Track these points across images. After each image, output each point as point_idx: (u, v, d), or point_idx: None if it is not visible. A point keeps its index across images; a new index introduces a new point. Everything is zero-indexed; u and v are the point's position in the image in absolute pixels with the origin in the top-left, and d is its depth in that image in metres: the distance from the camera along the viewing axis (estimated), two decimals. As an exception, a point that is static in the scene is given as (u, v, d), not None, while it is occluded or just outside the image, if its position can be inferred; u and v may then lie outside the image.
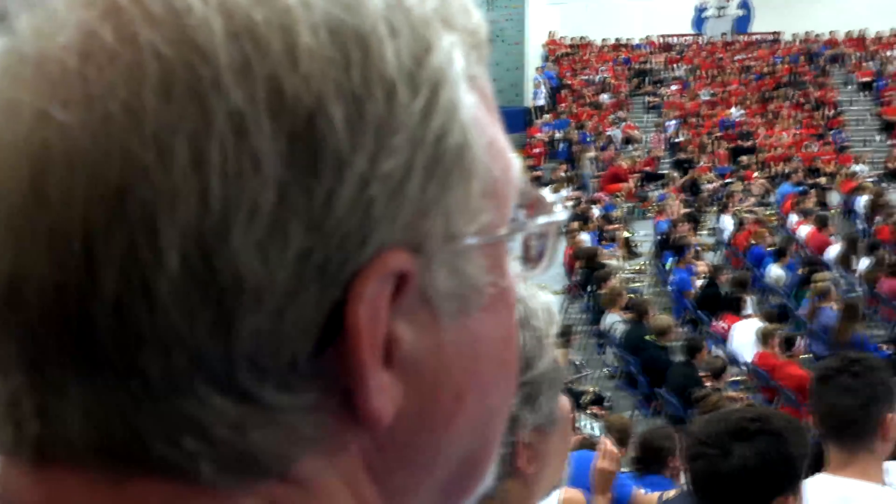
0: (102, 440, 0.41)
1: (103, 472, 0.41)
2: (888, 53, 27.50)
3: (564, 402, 1.44)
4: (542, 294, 1.34)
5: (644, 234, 16.97)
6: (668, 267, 13.96)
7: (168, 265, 0.39)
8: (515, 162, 0.48)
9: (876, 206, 16.08)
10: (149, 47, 0.39)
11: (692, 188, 19.89)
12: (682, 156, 22.92)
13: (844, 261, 13.33)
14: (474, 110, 0.45)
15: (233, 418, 0.41)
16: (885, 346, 10.29)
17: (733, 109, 25.41)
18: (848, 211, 17.85)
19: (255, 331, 0.40)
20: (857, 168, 20.98)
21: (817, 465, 2.53)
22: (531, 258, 0.50)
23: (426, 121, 0.42)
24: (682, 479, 4.89)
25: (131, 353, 0.40)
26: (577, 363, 10.79)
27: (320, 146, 0.40)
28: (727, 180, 20.63)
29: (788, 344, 9.40)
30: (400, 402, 0.43)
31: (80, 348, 0.40)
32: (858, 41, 28.53)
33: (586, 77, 28.04)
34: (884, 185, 19.72)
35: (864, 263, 12.87)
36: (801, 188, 18.69)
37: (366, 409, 0.43)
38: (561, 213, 0.51)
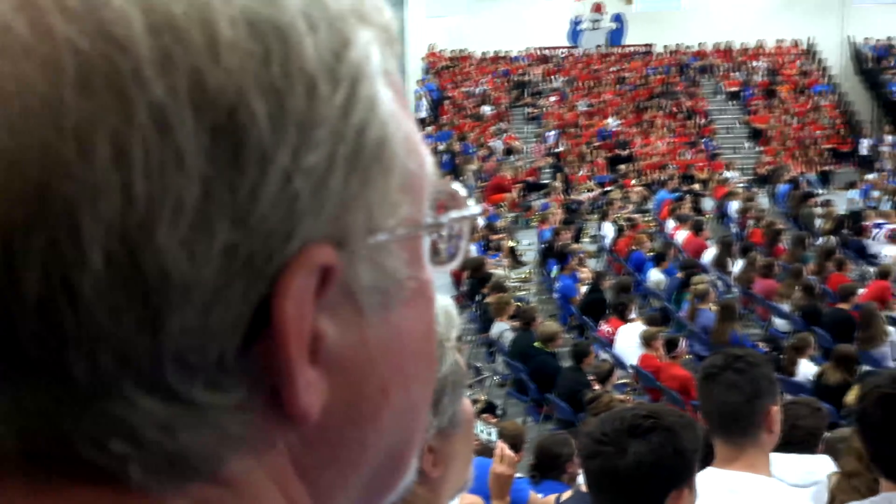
0: (25, 446, 0.40)
1: (25, 479, 0.40)
2: (753, 64, 28.65)
3: (467, 404, 1.45)
4: (441, 297, 1.35)
5: (528, 243, 17.23)
6: (552, 274, 14.20)
7: (91, 263, 0.38)
8: (429, 157, 0.49)
9: (747, 210, 16.72)
10: (65, 41, 0.38)
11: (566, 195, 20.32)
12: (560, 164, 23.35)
13: (720, 263, 13.79)
14: (391, 105, 0.45)
15: (161, 419, 0.40)
16: (761, 344, 10.68)
17: (610, 119, 26.04)
18: (721, 215, 18.49)
19: (183, 328, 0.39)
20: (728, 174, 21.76)
21: (706, 460, 2.61)
22: (443, 252, 0.50)
23: (347, 115, 0.42)
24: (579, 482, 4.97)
25: (55, 354, 0.39)
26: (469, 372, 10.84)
27: (243, 140, 0.39)
28: (607, 188, 21.14)
29: (671, 346, 9.66)
30: (326, 397, 0.43)
31: (2, 351, 0.39)
32: (726, 53, 29.64)
33: (467, 89, 28.32)
34: (754, 189, 20.49)
35: (738, 265, 13.35)
36: (676, 194, 19.27)
37: (293, 405, 0.42)
38: (475, 208, 0.52)
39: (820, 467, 3.85)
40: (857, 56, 29.19)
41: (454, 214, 0.50)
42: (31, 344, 0.39)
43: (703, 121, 26.37)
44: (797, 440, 4.13)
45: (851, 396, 7.84)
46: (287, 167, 0.40)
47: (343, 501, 0.48)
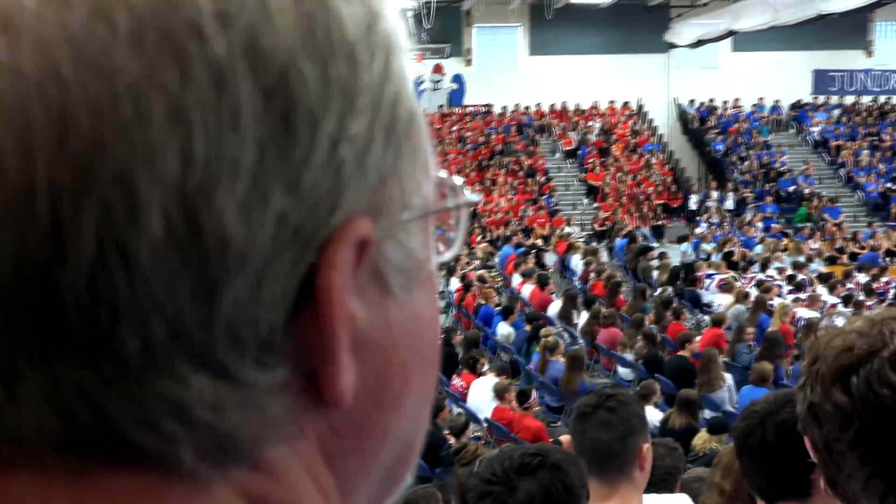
0: (65, 431, 0.37)
1: (61, 469, 0.37)
2: (588, 124, 29.82)
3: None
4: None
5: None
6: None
7: (149, 227, 0.36)
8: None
9: (588, 264, 17.26)
10: None
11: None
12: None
13: (565, 316, 14.15)
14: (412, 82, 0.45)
15: (211, 398, 0.38)
16: (608, 393, 10.94)
17: (453, 178, 26.43)
18: (564, 269, 19.02)
19: (236, 300, 0.38)
20: (568, 229, 22.45)
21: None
22: (448, 238, 0.50)
23: (383, 86, 0.42)
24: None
25: (105, 328, 0.36)
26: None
27: (294, 104, 0.38)
28: (452, 245, 21.37)
29: (523, 397, 9.80)
30: (356, 382, 0.42)
31: (41, 328, 0.36)
32: (561, 113, 30.75)
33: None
34: (593, 244, 21.20)
35: (582, 317, 13.73)
36: (520, 250, 19.72)
37: (333, 387, 0.41)
38: (472, 196, 0.51)
39: (680, 505, 3.97)
40: (683, 117, 30.83)
41: (457, 201, 0.49)
42: (78, 318, 0.36)
43: (542, 178, 27.18)
44: (656, 479, 4.25)
45: (698, 439, 8.15)
46: (333, 134, 0.39)
47: (363, 494, 0.46)
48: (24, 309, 0.36)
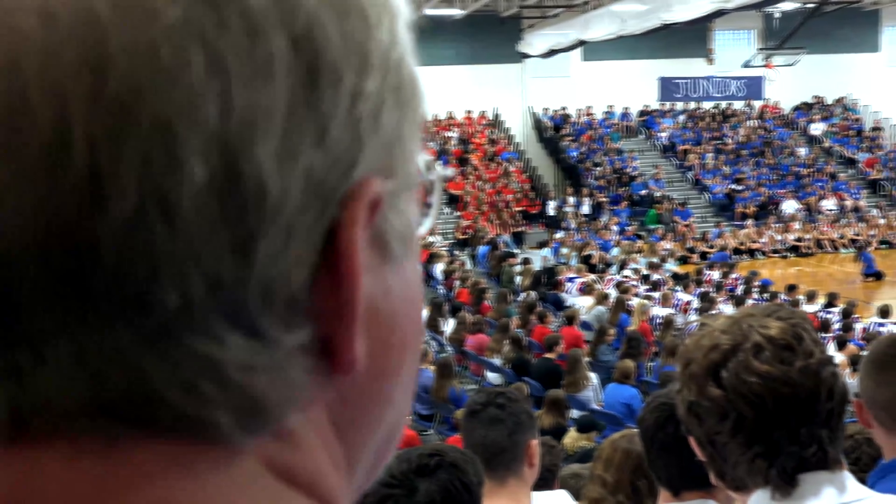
0: (98, 396, 0.35)
1: (91, 440, 0.35)
2: (446, 134, 30.12)
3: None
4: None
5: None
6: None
7: (191, 175, 0.35)
8: None
9: (451, 272, 17.43)
10: None
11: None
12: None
13: (432, 324, 14.23)
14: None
15: (244, 359, 0.37)
16: (478, 398, 11.07)
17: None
18: (428, 278, 19.13)
19: (269, 254, 0.37)
20: (431, 238, 22.60)
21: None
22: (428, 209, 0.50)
23: (391, 47, 0.42)
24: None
25: (142, 284, 0.35)
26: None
27: (319, 56, 0.38)
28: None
29: (395, 406, 9.78)
30: (363, 349, 0.41)
31: (74, 285, 0.34)
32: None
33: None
34: (456, 252, 21.42)
35: (449, 325, 13.84)
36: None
37: (346, 353, 0.40)
38: (446, 171, 0.52)
39: (562, 501, 4.06)
40: (538, 125, 31.51)
41: (435, 174, 0.49)
42: (115, 273, 0.34)
43: (403, 189, 27.25)
44: (536, 477, 4.33)
45: (567, 438, 8.34)
46: (353, 89, 0.39)
47: (363, 466, 0.45)
48: (57, 267, 0.34)
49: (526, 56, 29.44)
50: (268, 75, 0.36)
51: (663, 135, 31.29)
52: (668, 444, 2.08)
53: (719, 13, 19.82)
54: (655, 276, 17.69)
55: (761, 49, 29.38)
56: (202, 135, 0.35)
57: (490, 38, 29.41)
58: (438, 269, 18.36)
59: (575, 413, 9.74)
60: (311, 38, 0.38)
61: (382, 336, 0.43)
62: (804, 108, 33.23)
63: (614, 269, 19.95)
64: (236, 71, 0.36)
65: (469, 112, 31.24)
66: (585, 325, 13.92)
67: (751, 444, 1.44)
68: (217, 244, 0.36)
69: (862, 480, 1.64)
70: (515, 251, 21.47)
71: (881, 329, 12.91)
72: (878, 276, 22.15)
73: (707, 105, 32.57)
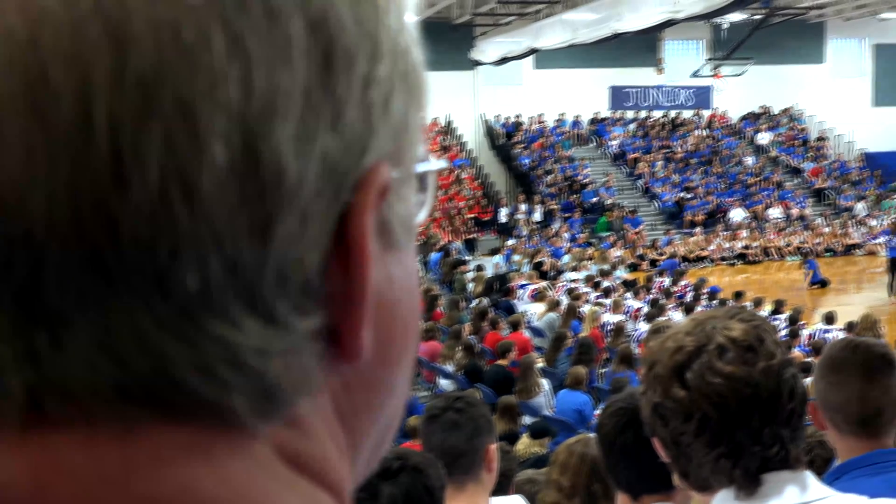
0: (118, 380, 0.35)
1: (109, 425, 0.35)
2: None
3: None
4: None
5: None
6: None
7: (212, 156, 0.35)
8: None
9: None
10: None
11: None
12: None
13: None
14: None
15: (260, 343, 0.37)
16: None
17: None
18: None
19: (285, 237, 0.37)
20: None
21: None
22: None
23: (399, 33, 0.42)
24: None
25: (163, 265, 0.35)
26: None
27: (334, 40, 0.38)
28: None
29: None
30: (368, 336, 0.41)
31: (94, 266, 0.34)
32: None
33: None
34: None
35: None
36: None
37: (354, 339, 0.40)
38: (441, 162, 0.51)
39: (518, 506, 4.07)
40: (490, 132, 31.64)
41: (432, 163, 0.49)
42: (136, 254, 0.34)
43: (355, 195, 27.20)
44: (492, 483, 4.33)
45: (520, 444, 8.36)
46: (365, 74, 0.39)
47: (364, 455, 0.45)
48: (78, 247, 0.34)
49: (478, 63, 29.56)
50: (286, 58, 0.36)
51: (614, 143, 31.59)
52: (629, 448, 2.09)
53: (669, 23, 20.08)
54: (606, 283, 17.83)
55: (710, 59, 29.84)
56: (224, 116, 0.35)
57: (442, 45, 29.43)
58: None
59: (527, 419, 9.78)
60: (327, 22, 0.38)
61: (385, 324, 0.43)
62: (751, 118, 33.75)
63: (565, 275, 20.07)
64: (256, 53, 0.36)
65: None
66: (537, 332, 13.97)
67: (715, 445, 1.46)
68: (236, 226, 0.36)
69: None
70: (467, 258, 21.52)
71: (826, 336, 13.12)
72: (824, 283, 22.55)
73: (657, 114, 32.96)
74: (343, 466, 0.42)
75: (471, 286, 17.89)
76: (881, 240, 25.52)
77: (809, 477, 1.51)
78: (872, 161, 32.78)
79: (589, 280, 18.34)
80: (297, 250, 0.37)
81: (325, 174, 0.38)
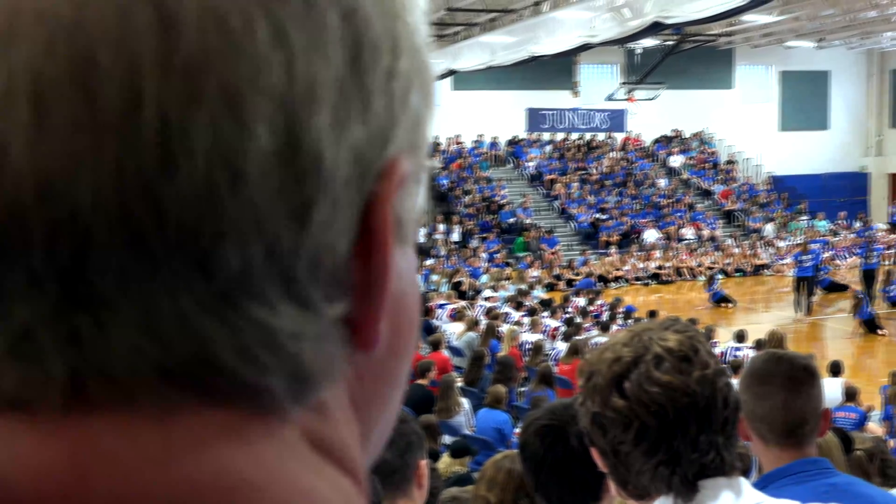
0: (160, 361, 0.35)
1: (149, 407, 0.35)
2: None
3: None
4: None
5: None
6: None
7: (258, 141, 0.35)
8: None
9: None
10: None
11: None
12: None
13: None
14: None
15: (294, 327, 0.37)
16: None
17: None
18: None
19: (321, 223, 0.37)
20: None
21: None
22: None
23: (414, 33, 0.43)
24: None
25: (206, 248, 0.35)
26: None
27: (362, 33, 0.39)
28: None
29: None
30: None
31: (140, 248, 0.34)
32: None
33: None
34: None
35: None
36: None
37: (371, 329, 0.40)
38: (431, 161, 0.52)
39: (444, 523, 4.06)
40: (408, 153, 31.65)
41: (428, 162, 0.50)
42: (180, 237, 0.35)
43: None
44: (418, 501, 4.32)
45: (441, 464, 8.36)
46: (388, 67, 0.40)
47: (371, 445, 0.46)
48: (124, 229, 0.34)
49: (397, 84, 29.60)
50: (323, 47, 0.37)
51: (531, 164, 31.95)
52: (559, 465, 2.10)
53: (585, 47, 20.44)
54: (526, 303, 17.97)
55: (624, 83, 30.44)
56: (268, 102, 0.35)
57: (361, 65, 29.45)
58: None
59: (447, 438, 9.78)
60: (357, 14, 0.39)
61: (396, 315, 0.43)
62: (664, 141, 34.49)
63: (484, 295, 20.17)
64: (297, 41, 0.36)
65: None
66: (456, 351, 13.99)
67: (654, 453, 1.49)
68: (277, 211, 0.36)
69: None
70: (386, 278, 21.42)
71: (737, 353, 13.43)
72: (727, 300, 23.07)
73: (573, 136, 33.45)
74: (360, 453, 0.43)
75: (390, 306, 17.82)
76: (788, 260, 26.27)
77: (743, 482, 1.54)
78: (780, 184, 33.80)
79: (511, 300, 18.48)
80: (330, 237, 0.38)
81: (354, 163, 0.38)
